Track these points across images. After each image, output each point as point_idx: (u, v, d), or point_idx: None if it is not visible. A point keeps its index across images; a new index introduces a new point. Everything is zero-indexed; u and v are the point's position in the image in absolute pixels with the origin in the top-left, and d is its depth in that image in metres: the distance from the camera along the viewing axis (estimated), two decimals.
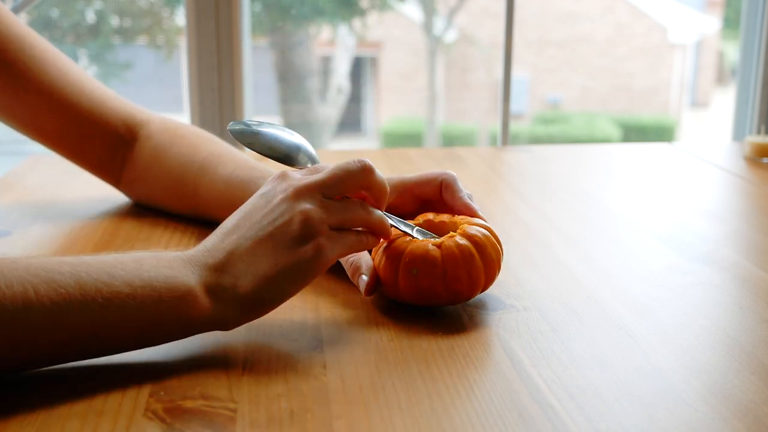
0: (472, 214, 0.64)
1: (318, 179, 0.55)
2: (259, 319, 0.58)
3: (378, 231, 0.57)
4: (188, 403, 0.47)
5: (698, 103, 11.90)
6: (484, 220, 0.63)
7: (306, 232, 0.53)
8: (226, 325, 0.53)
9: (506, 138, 1.88)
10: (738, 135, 1.94)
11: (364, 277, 0.60)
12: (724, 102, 11.28)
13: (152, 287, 0.50)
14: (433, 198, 0.66)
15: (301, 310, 0.60)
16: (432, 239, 0.59)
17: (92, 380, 0.49)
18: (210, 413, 0.46)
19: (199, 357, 0.53)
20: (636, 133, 9.44)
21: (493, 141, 8.79)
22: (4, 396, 0.47)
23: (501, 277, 0.66)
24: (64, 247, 0.74)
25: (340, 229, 0.55)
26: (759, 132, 1.78)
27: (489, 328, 0.57)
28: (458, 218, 0.63)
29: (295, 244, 0.52)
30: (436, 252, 0.57)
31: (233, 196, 0.75)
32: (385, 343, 0.55)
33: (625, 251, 0.75)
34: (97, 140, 0.82)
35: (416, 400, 0.47)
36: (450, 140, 9.06)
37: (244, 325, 0.56)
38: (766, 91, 1.84)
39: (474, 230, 0.59)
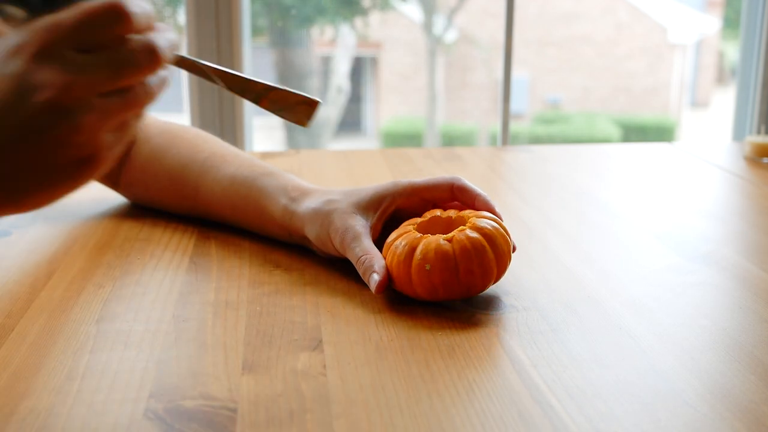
0: (493, 212, 0.65)
1: (62, 30, 0.40)
2: (259, 319, 0.58)
3: (151, 64, 0.42)
4: (188, 403, 0.47)
5: (698, 103, 11.89)
6: (500, 218, 0.64)
7: (84, 149, 0.41)
8: None
9: (506, 138, 1.88)
10: (738, 135, 1.94)
11: (376, 276, 0.60)
12: (724, 102, 11.27)
13: None
14: (442, 202, 0.67)
15: (301, 310, 0.60)
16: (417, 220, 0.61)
17: (93, 380, 0.49)
18: (210, 413, 0.46)
19: (199, 357, 0.53)
20: (636, 133, 9.44)
21: (493, 141, 8.79)
22: (4, 396, 0.47)
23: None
24: (64, 247, 0.74)
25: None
26: (759, 132, 1.78)
27: (489, 328, 0.57)
28: (465, 213, 0.64)
29: (67, 162, 0.41)
30: (448, 246, 0.58)
31: (237, 193, 0.75)
32: (385, 343, 0.55)
33: (625, 251, 0.75)
34: None
35: (416, 400, 0.47)
36: (450, 140, 9.05)
37: (243, 325, 0.56)
38: (766, 91, 1.84)
39: (484, 223, 0.60)
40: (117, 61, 0.41)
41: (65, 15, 0.40)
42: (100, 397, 0.47)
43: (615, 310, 0.60)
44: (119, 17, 0.41)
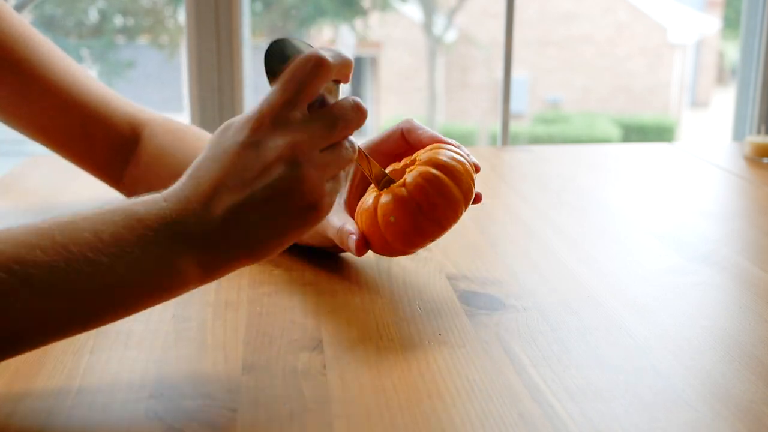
0: (440, 141, 0.63)
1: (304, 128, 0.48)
2: (259, 319, 0.58)
3: (358, 118, 0.51)
4: (188, 403, 0.47)
5: (698, 103, 11.90)
6: (454, 145, 0.62)
7: (310, 197, 0.48)
8: (212, 279, 0.49)
9: (506, 138, 1.88)
10: (738, 135, 1.94)
11: (353, 237, 0.61)
12: (724, 102, 11.27)
13: (141, 271, 0.46)
14: (400, 150, 0.66)
15: (301, 310, 0.60)
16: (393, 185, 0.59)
17: (93, 380, 0.49)
18: (210, 413, 0.46)
19: (199, 357, 0.53)
20: (636, 133, 9.45)
21: (493, 141, 8.80)
22: (4, 396, 0.47)
23: (501, 277, 0.66)
24: None
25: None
26: (759, 132, 1.78)
27: (489, 328, 0.57)
28: (416, 154, 0.62)
29: (296, 208, 0.48)
30: (402, 191, 0.58)
31: None
32: (385, 343, 0.55)
33: (625, 251, 0.75)
34: (101, 141, 0.82)
35: (416, 400, 0.47)
36: None
37: (243, 325, 0.57)
38: (766, 91, 1.84)
39: (430, 154, 0.59)
40: (331, 118, 0.49)
41: (280, 80, 0.49)
42: (100, 397, 0.47)
43: (615, 310, 0.60)
44: (318, 64, 0.48)
